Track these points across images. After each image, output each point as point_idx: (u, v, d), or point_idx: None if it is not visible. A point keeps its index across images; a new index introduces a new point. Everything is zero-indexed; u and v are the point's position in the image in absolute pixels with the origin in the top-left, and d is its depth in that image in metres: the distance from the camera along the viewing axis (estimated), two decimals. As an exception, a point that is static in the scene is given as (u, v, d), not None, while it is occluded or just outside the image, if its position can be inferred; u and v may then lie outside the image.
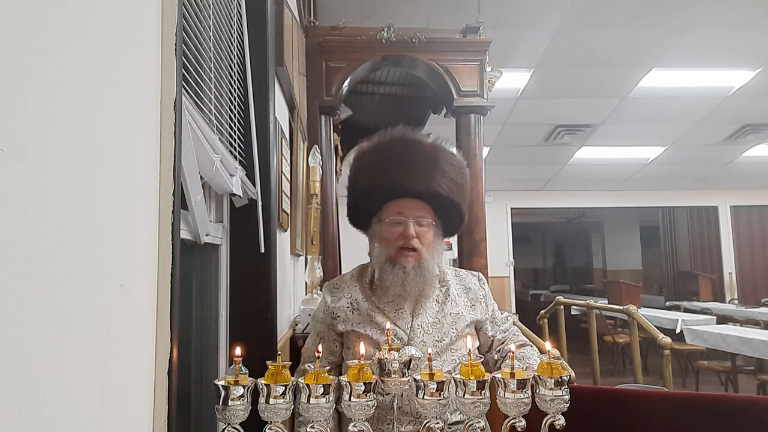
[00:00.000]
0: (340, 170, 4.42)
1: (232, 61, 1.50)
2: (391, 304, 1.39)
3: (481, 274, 1.55)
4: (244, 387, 0.92)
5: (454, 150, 1.48)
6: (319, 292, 2.43)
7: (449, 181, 1.37)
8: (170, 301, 0.75)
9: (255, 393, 0.93)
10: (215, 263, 1.52)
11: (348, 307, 1.40)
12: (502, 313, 1.53)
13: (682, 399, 1.33)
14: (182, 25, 0.84)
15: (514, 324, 1.56)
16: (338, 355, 1.42)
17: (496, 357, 1.44)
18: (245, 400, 0.92)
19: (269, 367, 0.94)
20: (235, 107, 1.49)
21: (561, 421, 0.93)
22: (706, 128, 6.47)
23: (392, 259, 1.34)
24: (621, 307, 4.06)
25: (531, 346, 1.46)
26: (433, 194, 1.36)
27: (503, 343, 1.46)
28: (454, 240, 5.24)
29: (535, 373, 0.95)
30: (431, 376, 0.92)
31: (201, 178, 1.10)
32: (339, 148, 4.10)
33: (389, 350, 0.99)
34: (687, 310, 7.28)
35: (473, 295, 1.47)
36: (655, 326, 3.79)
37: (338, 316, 1.40)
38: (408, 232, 1.33)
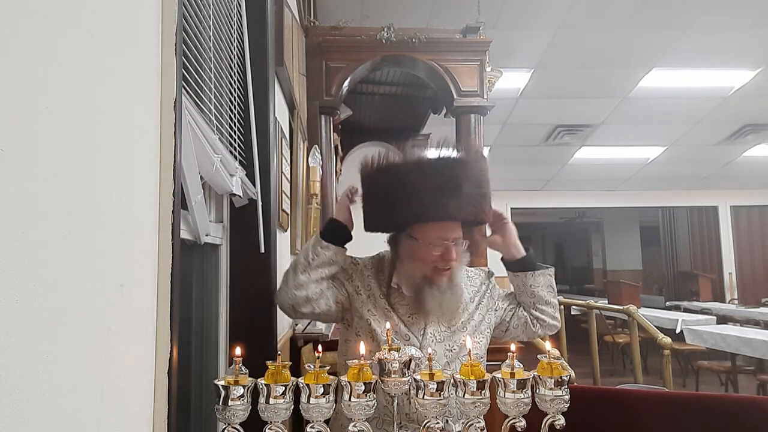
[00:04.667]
0: (340, 170, 4.41)
1: (232, 61, 1.50)
2: (406, 307, 1.41)
3: (490, 269, 1.59)
4: (244, 387, 0.92)
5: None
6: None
7: (479, 200, 1.37)
8: (170, 301, 0.75)
9: (255, 393, 0.93)
10: (215, 263, 1.52)
11: (366, 291, 1.43)
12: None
13: (682, 399, 1.34)
14: (182, 25, 0.84)
15: None
16: (337, 304, 1.42)
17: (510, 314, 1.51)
18: (245, 400, 0.92)
19: (269, 367, 0.94)
20: (235, 107, 1.49)
21: (561, 421, 0.93)
22: (706, 128, 6.47)
23: (429, 279, 1.36)
24: (621, 307, 4.06)
25: None
26: (466, 216, 1.37)
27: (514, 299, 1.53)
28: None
29: (535, 373, 0.95)
30: (431, 376, 0.92)
31: (201, 178, 1.10)
32: (339, 148, 4.10)
33: (389, 350, 0.99)
34: (687, 310, 7.29)
35: (481, 294, 1.50)
36: (655, 326, 3.80)
37: (357, 286, 1.43)
38: (451, 257, 1.35)
